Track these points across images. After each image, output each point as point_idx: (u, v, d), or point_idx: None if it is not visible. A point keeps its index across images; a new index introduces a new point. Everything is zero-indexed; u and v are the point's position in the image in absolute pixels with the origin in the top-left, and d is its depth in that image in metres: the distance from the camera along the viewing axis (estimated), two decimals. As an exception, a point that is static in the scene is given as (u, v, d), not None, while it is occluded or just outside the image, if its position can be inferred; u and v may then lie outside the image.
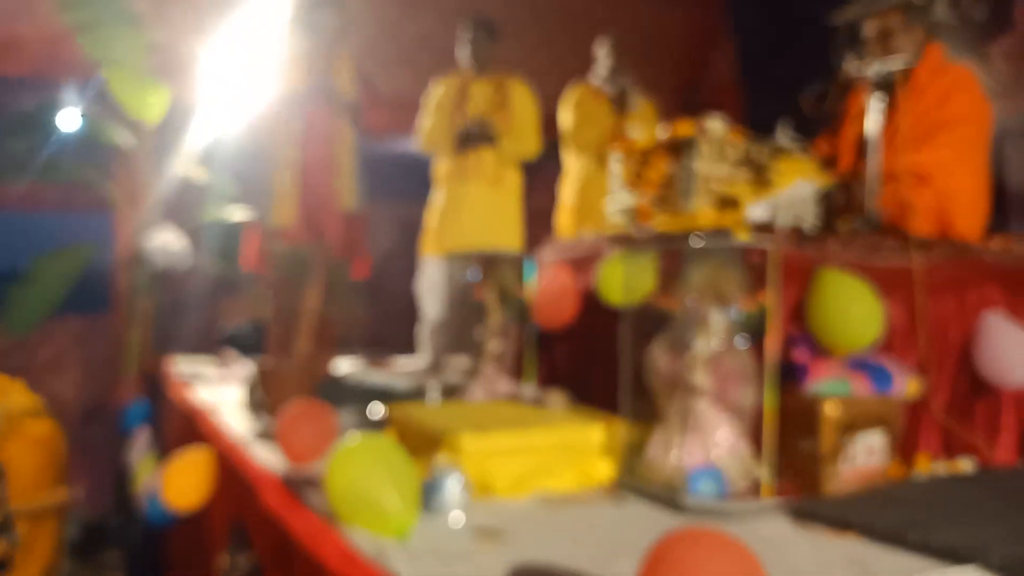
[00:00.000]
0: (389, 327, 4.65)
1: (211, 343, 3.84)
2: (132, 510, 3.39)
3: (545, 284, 2.47)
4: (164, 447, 3.09)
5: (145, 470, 2.99)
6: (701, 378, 1.59)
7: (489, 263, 2.51)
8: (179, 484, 2.10)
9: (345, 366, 3.13)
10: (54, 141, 4.53)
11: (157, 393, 3.68)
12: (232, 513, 1.87)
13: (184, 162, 4.12)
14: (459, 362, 3.54)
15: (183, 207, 4.22)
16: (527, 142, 3.89)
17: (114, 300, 4.57)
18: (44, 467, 3.40)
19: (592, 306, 2.28)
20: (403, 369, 3.55)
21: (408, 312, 4.25)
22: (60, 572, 3.93)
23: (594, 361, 2.27)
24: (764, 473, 1.58)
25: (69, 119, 4.40)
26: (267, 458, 1.84)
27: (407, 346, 4.09)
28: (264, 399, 2.43)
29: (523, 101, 3.91)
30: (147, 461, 3.05)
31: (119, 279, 4.53)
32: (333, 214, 3.32)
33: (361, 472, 1.36)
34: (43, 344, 5.07)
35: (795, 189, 2.04)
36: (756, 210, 1.96)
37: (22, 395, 3.65)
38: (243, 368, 3.29)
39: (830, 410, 1.61)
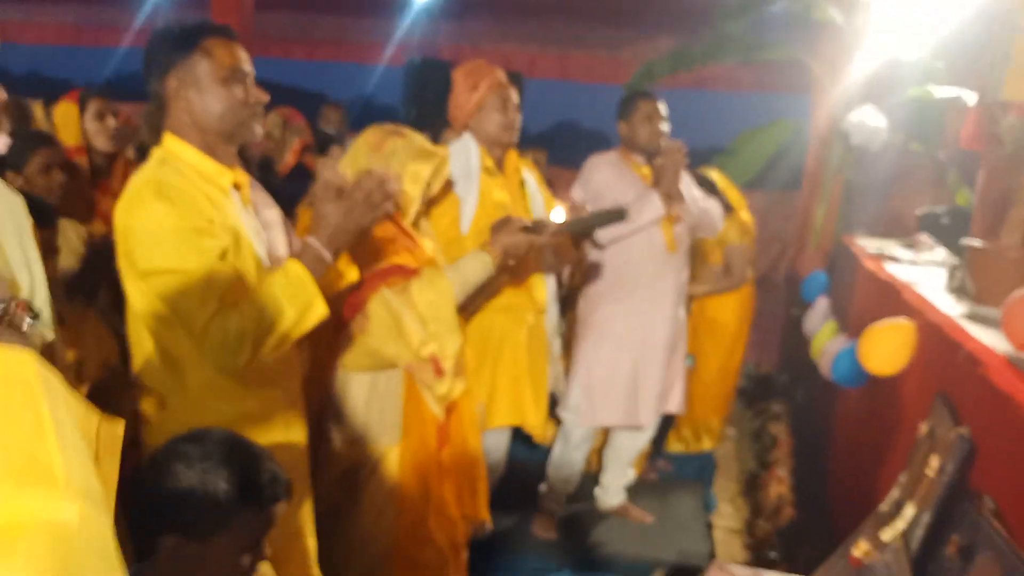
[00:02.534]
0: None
1: (901, 225, 3.76)
2: (799, 368, 3.65)
3: None
4: (845, 316, 3.21)
5: (825, 335, 3.15)
6: None
7: None
8: (879, 350, 2.16)
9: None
10: (763, 21, 4.83)
11: (836, 267, 3.81)
12: (936, 385, 1.86)
13: (894, 38, 3.98)
14: None
15: (885, 84, 4.11)
16: None
17: (805, 178, 4.79)
18: (743, 323, 3.90)
19: None
20: None
21: None
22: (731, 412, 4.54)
23: None
24: None
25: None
26: (983, 338, 1.76)
27: None
28: (968, 284, 2.31)
29: None
30: (827, 327, 3.21)
31: (812, 157, 4.71)
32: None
33: None
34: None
35: None
36: None
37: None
38: (937, 254, 3.16)
39: None
